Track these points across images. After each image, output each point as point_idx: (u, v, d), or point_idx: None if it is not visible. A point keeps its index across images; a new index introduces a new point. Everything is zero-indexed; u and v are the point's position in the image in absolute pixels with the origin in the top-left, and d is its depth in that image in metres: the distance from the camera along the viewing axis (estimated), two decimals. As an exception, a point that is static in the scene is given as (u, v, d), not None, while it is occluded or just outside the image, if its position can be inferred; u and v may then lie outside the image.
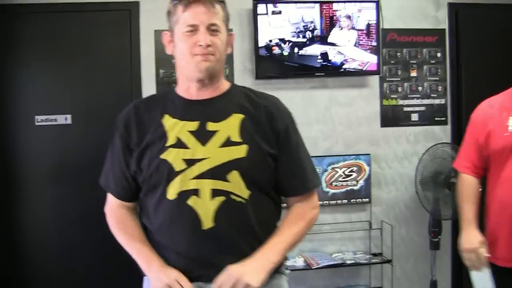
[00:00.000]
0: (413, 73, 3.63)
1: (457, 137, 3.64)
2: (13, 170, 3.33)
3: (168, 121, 1.55)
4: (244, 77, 3.42)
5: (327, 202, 3.44)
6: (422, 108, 3.64)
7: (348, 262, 3.37)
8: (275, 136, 1.55)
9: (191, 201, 1.47)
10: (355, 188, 3.51)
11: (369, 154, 3.53)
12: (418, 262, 3.63)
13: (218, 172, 1.47)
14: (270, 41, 3.36)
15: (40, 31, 3.33)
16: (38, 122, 3.33)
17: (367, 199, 3.53)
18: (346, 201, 3.48)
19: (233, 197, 1.48)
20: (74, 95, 3.36)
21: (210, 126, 1.52)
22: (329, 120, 3.53)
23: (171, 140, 1.51)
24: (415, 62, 3.63)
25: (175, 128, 1.53)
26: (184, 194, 1.47)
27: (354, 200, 3.50)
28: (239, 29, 3.41)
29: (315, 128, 3.49)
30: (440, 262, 3.51)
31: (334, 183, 3.47)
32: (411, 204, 3.58)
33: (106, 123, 3.33)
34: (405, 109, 3.63)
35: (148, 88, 3.37)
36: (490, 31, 3.70)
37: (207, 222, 1.46)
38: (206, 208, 1.46)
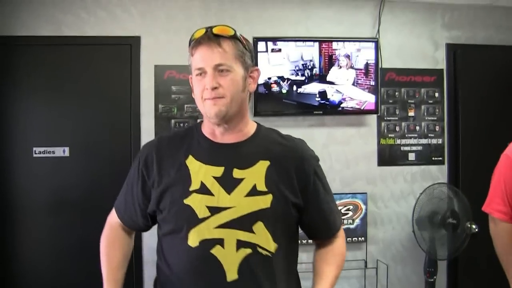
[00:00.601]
0: (411, 113, 3.65)
1: (454, 177, 3.67)
2: (10, 201, 3.32)
3: (192, 163, 1.50)
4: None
5: (323, 240, 3.43)
6: (419, 148, 3.66)
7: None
8: (301, 185, 1.50)
9: (215, 251, 1.42)
10: (351, 226, 3.51)
11: (365, 193, 3.54)
12: (413, 302, 3.62)
13: (244, 223, 1.43)
14: (269, 78, 3.38)
15: (40, 63, 3.35)
16: (36, 154, 3.34)
17: (363, 238, 3.53)
18: (342, 239, 3.47)
19: (260, 250, 1.44)
20: (72, 127, 3.37)
21: (236, 173, 1.47)
22: (327, 158, 3.54)
23: (195, 185, 1.46)
24: (413, 101, 3.66)
25: (200, 172, 1.48)
26: (207, 243, 1.43)
27: (350, 238, 3.49)
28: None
29: (312, 165, 3.48)
30: (435, 303, 3.49)
31: (330, 221, 3.46)
32: (407, 244, 3.58)
33: (104, 156, 3.38)
34: (403, 148, 3.64)
35: (147, 122, 3.39)
36: (487, 71, 3.74)
37: (232, 274, 1.41)
38: (231, 259, 1.42)
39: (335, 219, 1.61)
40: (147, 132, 3.38)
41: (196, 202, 1.45)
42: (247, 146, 1.52)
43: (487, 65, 3.74)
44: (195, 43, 1.46)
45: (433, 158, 3.67)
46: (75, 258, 3.34)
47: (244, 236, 1.43)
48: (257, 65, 1.40)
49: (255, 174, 1.47)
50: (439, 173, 3.67)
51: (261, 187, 1.45)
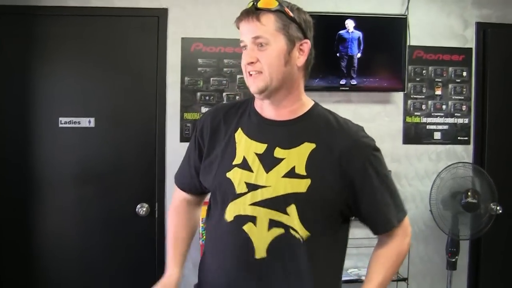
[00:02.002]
0: (438, 91, 3.61)
1: (479, 157, 3.63)
2: (36, 170, 3.34)
3: (240, 137, 1.51)
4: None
5: (353, 218, 3.43)
6: (445, 127, 3.62)
7: (363, 278, 3.34)
8: (350, 174, 1.46)
9: (247, 228, 1.43)
10: (374, 204, 3.49)
11: (390, 170, 3.50)
12: (434, 281, 3.61)
13: (279, 203, 1.42)
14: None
15: (67, 34, 3.34)
16: (61, 124, 3.34)
17: (386, 216, 3.51)
18: (365, 217, 3.47)
19: (293, 232, 1.43)
20: (98, 98, 3.37)
21: (277, 152, 1.45)
22: (352, 135, 3.52)
23: (238, 159, 1.48)
24: (440, 80, 3.61)
25: (244, 146, 1.49)
26: (241, 219, 1.44)
27: (373, 216, 3.48)
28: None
29: (337, 142, 3.47)
30: (456, 283, 3.48)
31: (353, 198, 3.46)
32: (431, 223, 3.55)
33: (129, 128, 3.39)
34: (428, 127, 3.61)
35: (173, 94, 3.38)
36: (517, 52, 3.68)
37: (261, 252, 1.42)
38: (261, 238, 1.42)
39: (391, 213, 1.53)
40: (173, 105, 3.38)
41: (237, 177, 1.46)
42: (295, 126, 1.49)
43: (517, 45, 3.68)
44: (238, 17, 1.47)
45: (459, 138, 3.63)
46: (99, 230, 3.37)
47: (277, 216, 1.42)
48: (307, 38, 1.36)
49: (297, 156, 1.45)
50: (464, 153, 3.64)
51: (300, 170, 1.43)
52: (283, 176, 1.43)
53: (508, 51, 3.65)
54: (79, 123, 3.35)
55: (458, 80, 3.63)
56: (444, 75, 3.61)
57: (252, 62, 1.43)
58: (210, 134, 1.56)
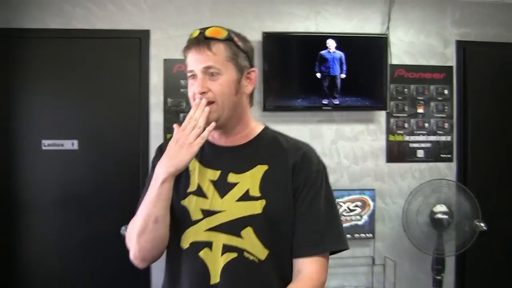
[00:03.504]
0: (420, 109, 3.65)
1: (462, 174, 3.65)
2: (18, 193, 3.33)
3: (193, 165, 1.49)
4: (252, 108, 3.41)
5: (330, 236, 3.43)
6: (428, 145, 3.65)
7: (349, 297, 3.36)
8: (296, 189, 1.43)
9: (203, 254, 1.42)
10: (359, 223, 3.50)
11: (373, 189, 3.53)
12: (420, 299, 3.60)
13: (233, 227, 1.41)
14: (279, 73, 3.38)
15: (50, 56, 3.36)
16: (45, 146, 3.34)
17: (370, 235, 3.52)
18: (349, 235, 3.46)
19: (247, 255, 1.41)
20: (82, 120, 3.37)
21: (231, 177, 1.45)
22: (335, 154, 3.54)
23: (192, 187, 1.47)
24: (422, 98, 3.65)
25: (199, 174, 1.48)
26: (196, 245, 1.43)
27: (358, 235, 3.49)
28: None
29: (320, 161, 3.48)
30: (442, 300, 3.48)
31: (338, 217, 3.46)
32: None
33: (112, 150, 3.38)
34: (411, 145, 3.63)
35: (156, 116, 3.39)
36: (497, 69, 3.73)
37: (215, 277, 1.41)
38: (216, 263, 1.41)
39: (324, 235, 1.43)
40: (156, 126, 3.39)
41: (192, 204, 1.45)
42: (247, 150, 1.50)
43: (496, 63, 3.73)
44: (187, 46, 1.45)
45: (441, 155, 3.66)
46: (82, 253, 3.34)
47: (231, 240, 1.41)
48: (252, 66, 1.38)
49: (250, 179, 1.44)
50: (447, 170, 3.66)
51: (255, 192, 1.43)
52: (238, 200, 1.43)
53: (487, 68, 3.70)
54: (62, 145, 3.35)
55: (440, 98, 3.66)
56: (426, 93, 3.65)
57: (204, 92, 1.42)
58: None
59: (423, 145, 3.65)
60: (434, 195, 3.35)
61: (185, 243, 1.45)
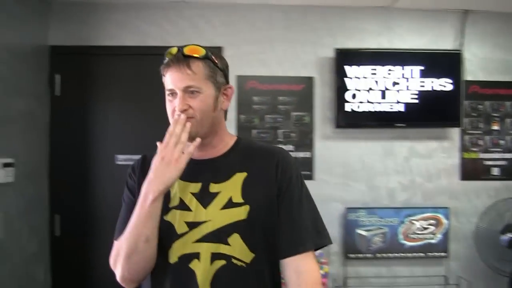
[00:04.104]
0: (495, 126, 3.56)
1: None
2: (94, 207, 3.40)
3: None
4: (324, 125, 3.41)
5: (403, 254, 3.39)
6: (504, 162, 3.56)
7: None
8: (278, 192, 1.48)
9: (193, 265, 1.43)
10: (432, 241, 3.43)
11: (447, 207, 3.46)
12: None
13: (220, 235, 1.43)
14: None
15: (125, 73, 3.43)
16: (118, 161, 3.40)
17: (444, 253, 3.44)
18: (423, 254, 3.41)
19: (235, 261, 1.43)
20: (154, 136, 3.39)
21: (213, 187, 1.48)
22: (408, 172, 3.49)
23: (174, 201, 1.48)
24: (497, 115, 3.57)
25: (178, 188, 1.49)
26: (186, 258, 1.43)
27: (431, 253, 3.42)
28: (320, 77, 3.44)
29: (393, 179, 3.45)
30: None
31: (411, 236, 3.41)
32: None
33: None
34: (486, 162, 3.55)
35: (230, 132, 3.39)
36: None
37: (205, 286, 1.41)
38: (206, 272, 1.42)
39: (303, 233, 1.48)
40: (228, 142, 3.40)
41: (176, 218, 1.46)
42: (223, 161, 1.52)
43: None
44: (165, 64, 1.45)
45: (518, 173, 3.57)
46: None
47: (218, 248, 1.42)
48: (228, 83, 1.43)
49: (231, 187, 1.47)
50: (524, 189, 3.57)
51: (237, 198, 1.45)
52: (222, 208, 1.44)
53: None
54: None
55: (516, 115, 3.58)
56: (501, 109, 3.56)
57: (185, 110, 1.44)
58: (139, 181, 1.52)
59: (498, 162, 3.56)
60: (509, 213, 3.27)
61: (173, 257, 1.44)
